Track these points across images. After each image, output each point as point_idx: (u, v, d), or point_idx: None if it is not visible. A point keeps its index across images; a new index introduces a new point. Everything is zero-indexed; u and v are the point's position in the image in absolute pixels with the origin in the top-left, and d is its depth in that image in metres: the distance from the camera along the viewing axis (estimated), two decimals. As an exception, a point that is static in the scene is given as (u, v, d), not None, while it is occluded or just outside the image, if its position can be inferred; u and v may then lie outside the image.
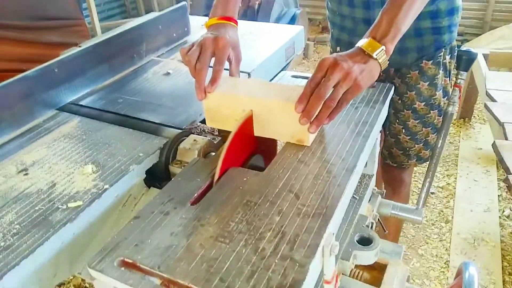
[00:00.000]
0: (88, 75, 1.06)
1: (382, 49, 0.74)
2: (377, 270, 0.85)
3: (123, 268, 0.55)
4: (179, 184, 0.70)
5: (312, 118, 0.70)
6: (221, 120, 0.81)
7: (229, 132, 0.73)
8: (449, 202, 2.18)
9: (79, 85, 1.04)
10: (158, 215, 0.63)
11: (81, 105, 1.01)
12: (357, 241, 0.76)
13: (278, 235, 0.58)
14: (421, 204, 0.94)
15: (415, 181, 2.27)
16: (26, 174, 0.78)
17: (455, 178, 2.34)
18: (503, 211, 2.09)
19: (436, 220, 2.07)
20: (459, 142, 2.67)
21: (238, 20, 0.93)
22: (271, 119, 0.75)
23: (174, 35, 1.33)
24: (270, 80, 1.14)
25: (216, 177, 0.70)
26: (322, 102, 0.70)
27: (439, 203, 2.17)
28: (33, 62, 1.99)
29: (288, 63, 1.34)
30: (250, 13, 3.26)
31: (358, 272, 0.83)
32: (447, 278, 1.75)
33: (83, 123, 0.93)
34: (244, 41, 1.29)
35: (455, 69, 0.93)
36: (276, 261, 0.54)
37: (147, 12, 5.36)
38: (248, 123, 0.77)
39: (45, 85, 0.96)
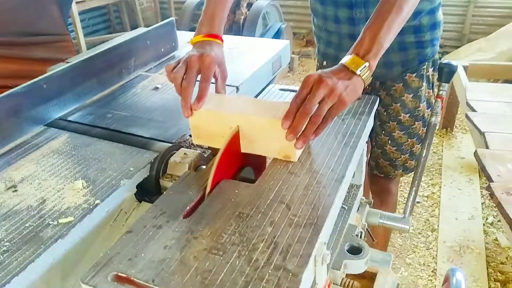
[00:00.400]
0: (77, 91, 1.06)
1: (365, 66, 0.76)
2: (367, 279, 0.87)
3: (116, 283, 0.55)
4: (171, 197, 0.71)
5: (299, 134, 0.71)
6: (208, 137, 0.82)
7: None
8: (434, 211, 2.22)
9: (67, 101, 1.04)
10: (150, 229, 0.63)
11: (70, 121, 1.01)
12: (347, 250, 0.78)
13: (271, 246, 0.59)
14: (408, 212, 0.96)
15: (401, 190, 2.31)
16: (15, 190, 0.77)
17: (440, 187, 2.39)
18: (487, 219, 2.14)
19: (423, 229, 2.10)
20: (442, 151, 2.73)
21: (224, 35, 0.95)
22: (258, 136, 0.76)
23: (162, 50, 1.35)
24: (259, 94, 1.16)
25: (208, 189, 0.71)
26: (308, 118, 0.71)
27: (424, 212, 2.21)
28: (20, 78, 1.98)
29: (275, 77, 1.37)
30: (236, 28, 3.30)
31: (349, 282, 0.84)
32: (435, 286, 1.78)
33: (72, 139, 0.93)
34: (232, 56, 1.32)
35: (438, 81, 0.97)
36: (270, 271, 0.55)
37: (132, 27, 5.37)
38: (238, 136, 0.78)
39: (33, 101, 0.96)
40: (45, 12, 1.93)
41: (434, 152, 2.71)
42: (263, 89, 1.18)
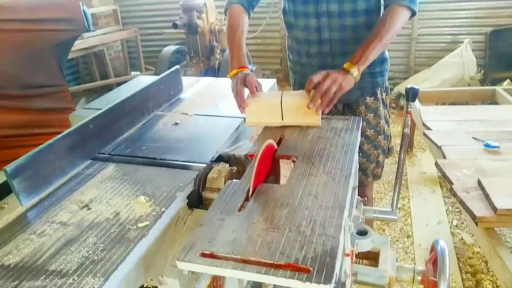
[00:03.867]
0: (112, 129, 1.25)
1: (356, 68, 1.24)
2: (371, 258, 1.09)
3: (204, 258, 0.74)
4: (223, 200, 0.91)
5: (318, 106, 1.17)
6: (260, 119, 1.26)
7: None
8: (407, 220, 2.49)
9: (106, 138, 1.23)
10: (216, 221, 0.83)
11: (112, 154, 1.19)
12: (356, 233, 1.00)
13: (311, 222, 0.80)
14: (395, 206, 1.20)
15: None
16: (89, 209, 0.94)
17: (409, 199, 2.68)
18: (452, 222, 2.44)
19: (399, 237, 2.36)
20: (406, 169, 3.06)
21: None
22: (293, 112, 1.22)
23: (172, 92, 1.57)
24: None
25: (251, 191, 0.92)
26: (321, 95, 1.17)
27: (399, 222, 2.48)
28: (26, 128, 2.12)
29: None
30: (211, 71, 3.58)
31: (360, 261, 1.06)
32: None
33: (120, 167, 1.11)
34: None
35: (406, 101, 1.26)
36: (316, 237, 0.76)
37: (102, 77, 5.53)
38: (266, 152, 1.00)
39: (83, 139, 1.14)
40: (45, 66, 2.10)
41: (399, 170, 3.04)
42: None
